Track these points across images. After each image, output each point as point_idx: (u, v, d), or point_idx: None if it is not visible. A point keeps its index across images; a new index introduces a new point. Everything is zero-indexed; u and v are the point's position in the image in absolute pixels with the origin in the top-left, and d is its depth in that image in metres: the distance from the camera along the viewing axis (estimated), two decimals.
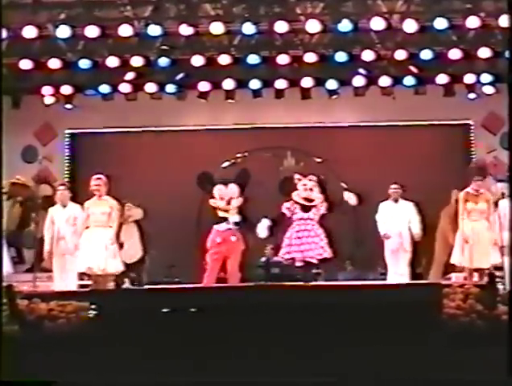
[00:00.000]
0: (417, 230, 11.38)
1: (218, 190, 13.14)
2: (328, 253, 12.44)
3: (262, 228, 12.69)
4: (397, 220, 11.30)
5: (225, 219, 12.68)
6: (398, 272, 11.11)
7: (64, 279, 10.36)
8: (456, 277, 10.87)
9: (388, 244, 11.33)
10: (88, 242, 10.21)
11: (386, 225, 11.34)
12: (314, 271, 11.72)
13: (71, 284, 10.34)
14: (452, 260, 10.43)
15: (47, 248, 10.48)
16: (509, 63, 8.99)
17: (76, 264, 10.31)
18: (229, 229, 12.50)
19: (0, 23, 10.67)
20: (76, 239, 10.42)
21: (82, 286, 10.65)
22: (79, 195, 11.36)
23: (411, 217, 11.39)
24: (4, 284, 7.82)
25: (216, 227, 12.60)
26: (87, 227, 10.34)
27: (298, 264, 12.38)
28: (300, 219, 12.79)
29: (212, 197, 13.09)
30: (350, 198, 12.68)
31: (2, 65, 9.58)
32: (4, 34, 11.63)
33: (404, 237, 11.31)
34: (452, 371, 6.47)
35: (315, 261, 12.19)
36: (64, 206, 10.64)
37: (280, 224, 13.11)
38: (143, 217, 12.15)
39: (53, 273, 10.48)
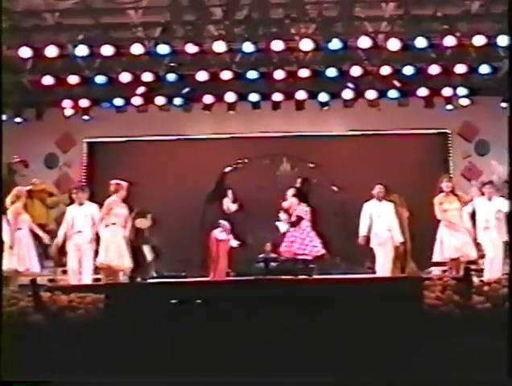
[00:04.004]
0: (398, 235, 10.76)
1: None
2: (321, 251, 11.80)
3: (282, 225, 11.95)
4: (383, 217, 11.03)
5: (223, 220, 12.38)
6: (384, 263, 10.81)
7: (81, 271, 10.27)
8: (435, 271, 10.99)
9: (376, 238, 10.98)
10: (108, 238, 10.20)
11: (373, 222, 11.06)
12: (308, 266, 11.57)
13: (86, 276, 10.26)
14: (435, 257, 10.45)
15: (59, 240, 10.35)
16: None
17: (90, 257, 10.24)
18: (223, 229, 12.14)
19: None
20: (93, 234, 10.37)
21: (95, 280, 10.63)
22: (95, 197, 11.35)
23: (391, 222, 10.85)
24: (29, 278, 7.84)
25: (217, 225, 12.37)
26: (107, 225, 10.29)
27: (296, 259, 11.95)
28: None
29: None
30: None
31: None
32: (29, 53, 11.97)
33: (393, 230, 10.94)
34: (433, 355, 6.49)
35: (310, 258, 11.77)
36: (81, 204, 10.53)
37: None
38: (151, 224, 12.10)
39: (68, 265, 10.37)
